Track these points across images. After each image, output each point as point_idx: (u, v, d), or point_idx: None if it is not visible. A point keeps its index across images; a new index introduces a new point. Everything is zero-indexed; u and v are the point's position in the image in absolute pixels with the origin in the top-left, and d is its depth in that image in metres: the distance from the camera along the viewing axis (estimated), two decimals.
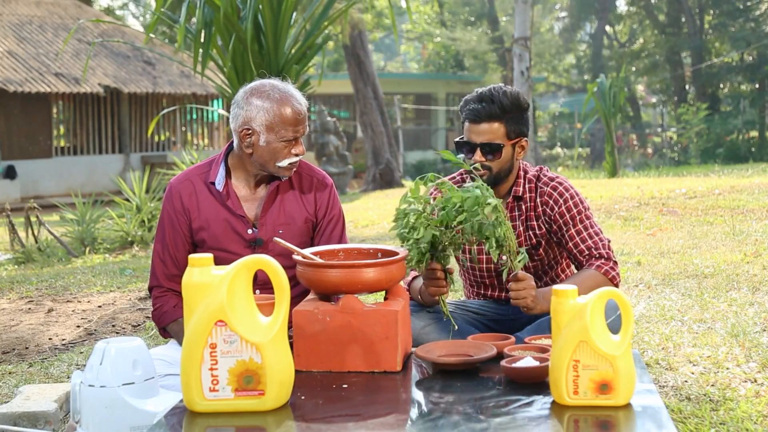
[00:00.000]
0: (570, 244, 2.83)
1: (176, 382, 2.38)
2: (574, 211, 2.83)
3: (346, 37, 16.86)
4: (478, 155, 2.79)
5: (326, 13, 5.69)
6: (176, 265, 2.74)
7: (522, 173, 2.91)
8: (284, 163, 2.65)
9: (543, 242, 2.90)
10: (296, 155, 2.66)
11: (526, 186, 2.90)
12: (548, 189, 2.87)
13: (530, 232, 2.89)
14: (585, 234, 2.82)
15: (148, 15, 30.41)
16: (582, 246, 2.81)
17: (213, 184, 2.73)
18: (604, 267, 2.77)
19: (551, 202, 2.86)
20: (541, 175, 2.91)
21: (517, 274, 2.55)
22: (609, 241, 2.84)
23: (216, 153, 2.90)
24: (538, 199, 2.88)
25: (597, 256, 2.79)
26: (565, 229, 2.83)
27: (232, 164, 2.75)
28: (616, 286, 2.75)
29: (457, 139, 2.86)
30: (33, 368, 4.05)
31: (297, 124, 2.63)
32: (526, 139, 2.85)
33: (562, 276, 3.01)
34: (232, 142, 2.76)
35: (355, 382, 2.13)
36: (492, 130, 2.78)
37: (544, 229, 2.89)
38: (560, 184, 2.88)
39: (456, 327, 2.66)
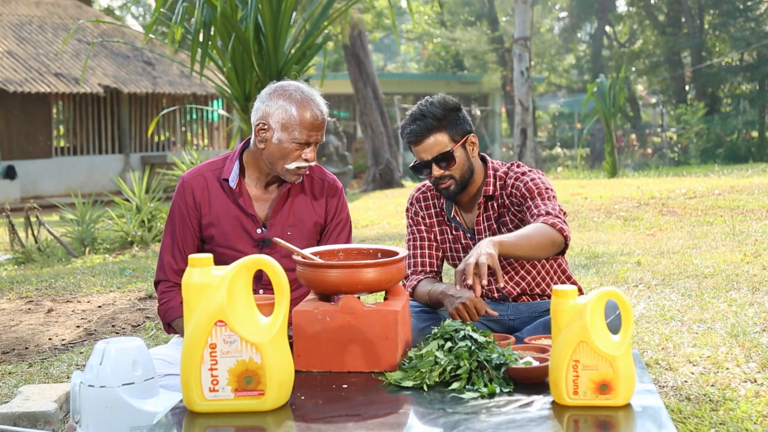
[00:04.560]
0: (528, 214, 2.78)
1: (176, 382, 2.38)
2: (539, 188, 2.80)
3: (346, 37, 16.85)
4: (435, 170, 2.79)
5: (326, 13, 5.70)
6: (185, 260, 2.72)
7: (491, 172, 2.90)
8: (292, 165, 2.65)
9: None
10: (306, 160, 2.66)
11: (497, 184, 2.89)
12: (514, 180, 2.86)
13: (504, 229, 2.87)
14: (542, 202, 2.77)
15: (148, 16, 30.41)
16: (535, 210, 2.75)
17: (226, 180, 2.74)
18: (550, 220, 2.69)
19: (517, 184, 2.84)
20: (510, 171, 2.90)
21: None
22: (564, 214, 2.77)
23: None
24: (507, 191, 2.87)
25: (544, 214, 2.72)
26: (528, 203, 2.79)
27: (247, 162, 2.76)
28: (566, 238, 2.67)
29: (410, 165, 2.86)
30: (33, 368, 4.05)
31: (312, 129, 2.64)
32: (472, 134, 2.84)
33: (538, 267, 2.92)
34: (249, 139, 2.77)
35: (355, 382, 2.13)
36: (437, 142, 2.78)
37: (517, 221, 2.86)
38: (528, 172, 2.87)
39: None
